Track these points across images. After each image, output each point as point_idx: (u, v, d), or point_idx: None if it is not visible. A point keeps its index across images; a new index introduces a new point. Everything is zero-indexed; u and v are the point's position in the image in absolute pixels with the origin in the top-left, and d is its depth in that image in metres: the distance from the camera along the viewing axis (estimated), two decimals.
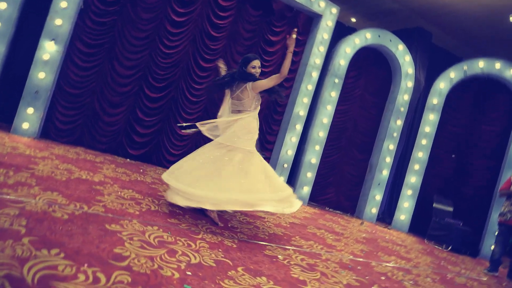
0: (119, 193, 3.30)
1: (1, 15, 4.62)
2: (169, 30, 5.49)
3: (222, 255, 2.44)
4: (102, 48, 5.22)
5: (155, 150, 5.67)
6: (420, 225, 6.87)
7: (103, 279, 1.65)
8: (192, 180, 3.09)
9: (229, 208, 3.19)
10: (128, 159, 5.43)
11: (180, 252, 2.25)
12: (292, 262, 2.77)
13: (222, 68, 3.73)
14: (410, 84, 7.04)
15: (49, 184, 2.90)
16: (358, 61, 6.90)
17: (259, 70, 3.40)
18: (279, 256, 2.83)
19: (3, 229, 1.84)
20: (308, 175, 6.44)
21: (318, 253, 3.29)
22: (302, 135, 6.46)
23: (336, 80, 6.52)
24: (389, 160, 6.99)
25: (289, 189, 3.34)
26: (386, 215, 7.55)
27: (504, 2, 6.01)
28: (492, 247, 5.24)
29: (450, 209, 6.55)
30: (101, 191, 3.17)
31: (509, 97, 6.92)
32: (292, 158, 6.32)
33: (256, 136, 3.45)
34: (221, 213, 3.55)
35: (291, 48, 3.23)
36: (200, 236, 2.72)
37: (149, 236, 2.38)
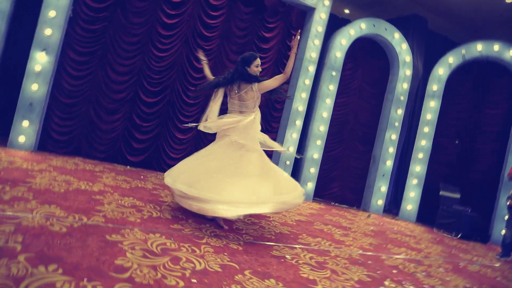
0: (120, 201, 3.22)
1: None
2: (161, 33, 5.41)
3: (228, 259, 2.37)
4: (94, 55, 5.15)
5: (155, 155, 5.60)
6: (428, 214, 6.78)
7: None
8: (215, 185, 2.91)
9: (263, 211, 3.13)
10: (128, 166, 5.35)
11: (184, 259, 2.18)
12: (300, 261, 2.70)
13: (204, 60, 3.63)
14: (408, 72, 6.95)
15: (47, 197, 2.83)
16: (355, 52, 6.81)
17: (260, 69, 3.37)
18: (287, 256, 2.75)
19: None
20: (311, 170, 6.36)
21: (326, 250, 3.22)
22: (302, 131, 6.38)
23: (334, 73, 6.44)
24: (392, 150, 6.90)
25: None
26: (393, 206, 7.47)
27: None
28: (503, 231, 5.16)
29: (457, 196, 6.46)
30: (101, 200, 3.10)
31: (510, 79, 6.82)
32: (294, 155, 6.24)
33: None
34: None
35: (295, 49, 3.25)
36: (204, 241, 2.64)
37: (151, 244, 2.30)
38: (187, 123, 3.84)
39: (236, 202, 2.88)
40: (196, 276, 1.97)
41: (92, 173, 4.28)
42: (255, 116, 3.37)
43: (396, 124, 6.91)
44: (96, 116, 5.24)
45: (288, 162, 6.17)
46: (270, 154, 6.20)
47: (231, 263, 2.31)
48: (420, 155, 6.85)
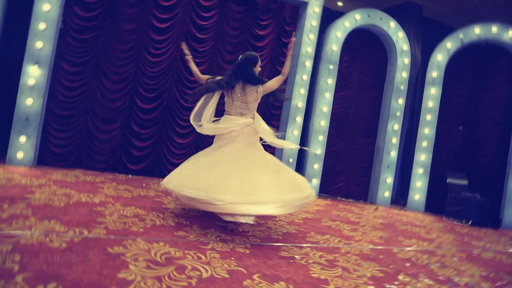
0: (122, 211, 3.15)
1: None
2: (153, 38, 5.35)
3: (235, 264, 2.29)
4: (87, 65, 5.08)
5: (156, 162, 5.53)
6: (436, 202, 6.68)
7: None
8: (252, 187, 2.81)
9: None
10: (129, 175, 5.29)
11: (189, 267, 2.10)
12: (310, 261, 2.62)
13: (188, 55, 3.48)
14: (406, 60, 6.85)
15: (46, 212, 2.76)
16: (351, 45, 6.72)
17: (260, 69, 3.35)
18: (296, 256, 2.68)
19: None
20: (315, 166, 6.28)
21: (336, 247, 3.14)
22: (303, 127, 6.30)
23: (331, 67, 6.35)
24: (395, 140, 6.81)
25: None
26: (400, 197, 7.37)
27: None
28: None
29: (465, 182, 6.36)
30: (102, 212, 3.03)
31: (510, 60, 6.70)
32: (297, 152, 6.16)
33: None
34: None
35: (291, 51, 3.35)
36: (210, 246, 2.57)
37: (155, 254, 2.23)
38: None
39: (269, 202, 2.82)
40: (202, 285, 1.90)
41: (93, 184, 4.22)
42: (257, 118, 3.36)
43: (398, 114, 6.81)
44: (94, 127, 5.18)
45: (291, 160, 6.09)
46: (272, 153, 6.12)
47: (238, 268, 2.23)
48: (424, 144, 6.75)
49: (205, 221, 3.22)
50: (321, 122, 6.31)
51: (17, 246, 2.00)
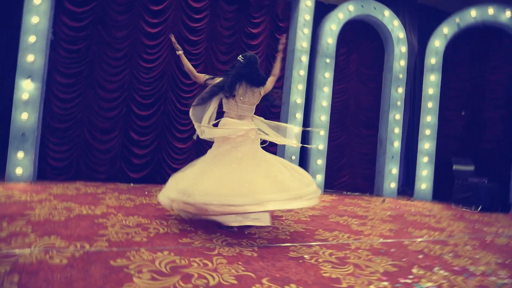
0: (124, 221, 3.08)
1: None
2: (146, 44, 5.28)
3: (243, 269, 2.22)
4: (81, 76, 5.02)
5: (157, 168, 5.46)
6: (444, 190, 6.59)
7: None
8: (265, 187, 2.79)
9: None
10: (131, 184, 5.23)
11: (196, 276, 2.03)
12: (320, 260, 2.54)
13: (179, 50, 3.34)
14: (404, 49, 6.76)
15: (46, 228, 2.69)
16: (346, 36, 6.64)
17: None
18: (305, 256, 2.59)
19: None
20: (319, 162, 6.20)
21: (346, 243, 3.06)
22: (304, 123, 6.22)
23: (328, 60, 6.27)
24: (398, 130, 6.72)
25: None
26: (406, 187, 7.28)
27: None
28: None
29: (471, 168, 6.27)
30: (104, 223, 2.96)
31: (509, 41, 6.60)
32: (299, 148, 6.08)
33: None
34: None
35: (281, 54, 3.43)
36: (216, 252, 2.49)
37: (159, 263, 2.15)
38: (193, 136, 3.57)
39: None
40: None
41: (94, 196, 4.15)
42: (257, 119, 3.33)
43: (398, 103, 6.72)
44: (92, 137, 5.11)
45: (293, 157, 6.01)
46: (273, 151, 6.05)
47: (247, 273, 2.15)
48: (427, 132, 6.66)
49: (210, 226, 3.14)
50: (322, 117, 6.23)
51: (16, 266, 1.92)
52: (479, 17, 6.54)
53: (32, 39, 4.56)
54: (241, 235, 3.00)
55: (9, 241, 2.32)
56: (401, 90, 6.73)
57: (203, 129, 3.17)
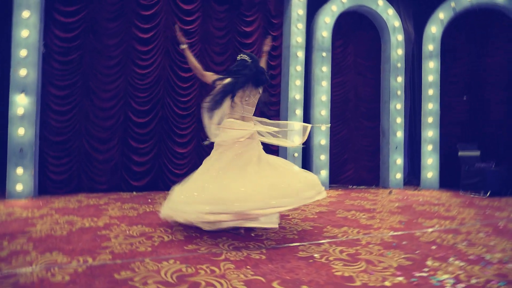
0: (128, 231, 3.01)
1: None
2: (139, 50, 5.21)
3: (252, 273, 2.14)
4: (75, 86, 4.95)
5: (159, 175, 5.39)
6: (450, 178, 6.50)
7: None
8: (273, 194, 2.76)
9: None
10: (134, 192, 5.16)
11: (203, 284, 1.95)
12: (331, 258, 2.46)
13: (184, 45, 3.15)
14: (400, 37, 6.67)
15: (48, 243, 2.62)
16: (341, 29, 6.56)
17: None
18: (315, 255, 2.52)
19: None
20: (322, 157, 6.12)
21: (356, 239, 2.98)
22: (304, 119, 6.14)
23: (324, 54, 6.19)
24: (400, 120, 6.63)
25: None
26: (412, 177, 7.19)
27: None
28: None
29: (477, 153, 6.16)
30: (107, 235, 2.89)
31: (508, 22, 6.50)
32: (301, 145, 6.00)
33: None
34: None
35: (266, 55, 3.45)
36: (223, 257, 2.42)
37: (165, 273, 2.08)
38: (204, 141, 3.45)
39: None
40: None
41: (97, 207, 4.08)
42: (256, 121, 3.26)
43: (399, 92, 6.63)
44: (91, 148, 5.05)
45: (296, 154, 5.93)
46: (275, 149, 5.97)
47: (256, 277, 2.08)
48: (430, 119, 6.57)
49: (215, 231, 3.06)
50: (322, 111, 6.15)
51: (17, 287, 1.85)
52: (475, 0, 6.44)
53: (23, 53, 4.50)
54: (248, 237, 2.92)
55: (10, 261, 2.25)
56: (400, 79, 6.65)
57: (218, 132, 3.03)
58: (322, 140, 6.11)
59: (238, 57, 3.13)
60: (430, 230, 3.35)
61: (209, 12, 5.64)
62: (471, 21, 6.71)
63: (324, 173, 6.11)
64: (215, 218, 2.71)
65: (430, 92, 6.59)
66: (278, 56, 6.13)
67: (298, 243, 2.82)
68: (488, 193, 5.55)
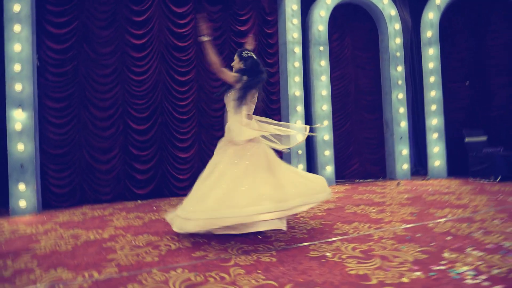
0: (134, 242, 2.94)
1: None
2: (134, 56, 5.15)
3: (263, 277, 2.06)
4: (72, 98, 4.90)
5: (163, 181, 5.32)
6: (458, 165, 6.40)
7: None
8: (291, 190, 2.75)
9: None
10: (138, 201, 5.10)
11: None
12: (344, 256, 2.38)
13: (205, 25, 2.89)
14: (397, 26, 6.58)
15: (53, 260, 2.55)
16: (337, 21, 6.47)
17: None
18: (327, 254, 2.43)
19: None
20: (326, 153, 6.03)
21: (368, 234, 2.89)
22: (306, 116, 6.06)
23: (321, 48, 6.10)
24: (402, 110, 6.53)
25: None
26: (419, 167, 7.09)
27: None
28: None
29: (484, 138, 6.06)
30: (113, 247, 2.82)
31: (507, 4, 6.38)
32: (305, 142, 5.92)
33: None
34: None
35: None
36: (232, 262, 2.34)
37: (173, 284, 2.01)
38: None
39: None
40: None
41: (102, 218, 4.02)
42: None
43: (400, 82, 6.54)
44: (92, 159, 4.99)
45: (300, 152, 5.85)
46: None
47: (268, 281, 2.00)
48: (433, 107, 6.46)
49: (223, 234, 2.99)
50: (323, 106, 6.06)
51: None
52: None
53: (17, 67, 4.44)
54: (257, 240, 2.84)
55: (14, 280, 2.18)
56: (400, 68, 6.55)
57: (246, 130, 2.96)
58: (325, 135, 6.03)
59: (244, 54, 3.07)
60: (443, 220, 3.26)
61: (202, 13, 5.56)
62: (469, 4, 6.61)
63: (330, 168, 6.02)
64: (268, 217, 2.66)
65: (432, 79, 6.49)
66: (275, 53, 6.05)
67: (308, 242, 2.74)
68: (499, 178, 5.44)
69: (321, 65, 6.08)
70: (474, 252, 2.32)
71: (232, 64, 3.15)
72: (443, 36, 6.58)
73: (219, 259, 2.41)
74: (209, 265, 2.30)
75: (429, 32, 6.52)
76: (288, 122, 5.82)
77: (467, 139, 6.08)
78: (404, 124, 6.51)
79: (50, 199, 4.80)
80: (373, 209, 3.91)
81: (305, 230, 3.10)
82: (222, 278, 2.07)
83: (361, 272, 2.09)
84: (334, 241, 2.74)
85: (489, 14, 6.53)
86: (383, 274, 2.04)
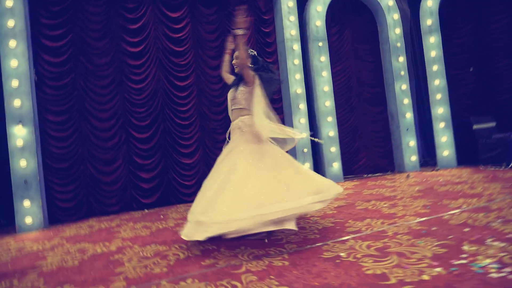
0: (141, 253, 2.87)
1: None
2: (131, 64, 5.10)
3: (277, 283, 1.98)
4: (72, 110, 4.85)
5: (169, 189, 5.26)
6: (468, 153, 6.26)
7: None
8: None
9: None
10: (145, 210, 5.04)
11: None
12: (359, 255, 2.28)
13: (244, 18, 2.80)
14: (396, 16, 6.47)
15: (59, 276, 2.49)
16: (335, 16, 6.38)
17: None
18: (342, 254, 2.34)
19: None
20: (332, 149, 5.93)
21: (381, 231, 2.79)
22: (309, 113, 5.97)
23: (320, 44, 6.01)
24: (407, 101, 6.42)
25: None
26: (428, 158, 6.97)
27: None
28: None
29: (493, 124, 5.93)
30: (120, 259, 2.75)
31: None
32: (309, 140, 5.83)
33: None
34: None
35: (229, 53, 3.33)
36: (243, 269, 2.26)
37: None
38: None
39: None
40: None
41: (109, 230, 3.96)
42: None
43: (402, 73, 6.43)
44: (96, 171, 4.93)
45: (305, 150, 5.76)
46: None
47: (282, 287, 1.91)
48: (438, 96, 6.34)
49: (231, 239, 2.91)
50: (326, 102, 5.97)
51: None
52: None
53: (15, 83, 4.40)
54: (268, 243, 2.76)
55: None
56: (402, 59, 6.44)
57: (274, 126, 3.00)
58: (330, 131, 5.93)
59: (249, 52, 3.09)
60: (458, 211, 3.15)
61: (197, 16, 5.51)
62: None
63: (337, 165, 5.92)
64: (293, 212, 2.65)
65: (435, 68, 6.37)
66: (273, 52, 5.97)
67: (321, 242, 2.65)
68: (511, 165, 5.31)
69: (321, 60, 5.99)
70: (495, 243, 2.22)
71: (234, 62, 3.10)
72: (444, 23, 6.47)
73: (230, 266, 2.33)
74: (219, 273, 2.22)
75: (428, 20, 6.40)
76: (292, 120, 5.73)
77: (475, 126, 5.95)
78: (409, 115, 6.39)
79: (56, 214, 4.75)
80: (385, 204, 3.80)
81: (317, 230, 3.01)
82: (234, 286, 1.99)
83: (378, 272, 1.99)
84: (347, 240, 2.64)
85: None
86: (402, 272, 1.94)
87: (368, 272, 2.01)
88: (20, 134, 4.41)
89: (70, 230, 4.23)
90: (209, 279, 2.14)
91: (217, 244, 2.86)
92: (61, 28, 4.77)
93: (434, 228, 2.69)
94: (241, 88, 3.01)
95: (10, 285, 2.43)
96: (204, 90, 5.47)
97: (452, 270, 1.89)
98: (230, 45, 3.32)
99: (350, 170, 6.37)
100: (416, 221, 2.97)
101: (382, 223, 3.03)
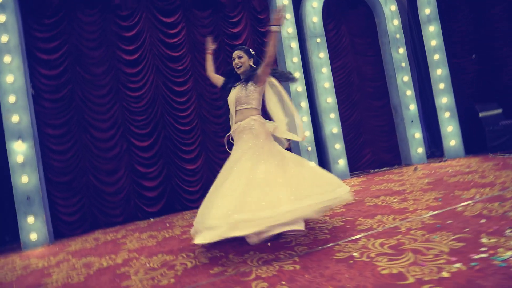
0: (148, 264, 2.79)
1: None
2: (128, 72, 5.04)
3: None
4: (71, 122, 4.80)
5: (174, 196, 5.18)
6: (475, 142, 6.15)
7: None
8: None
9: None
10: (151, 219, 4.97)
11: None
12: (372, 254, 2.19)
13: (281, 14, 2.82)
14: (393, 7, 6.37)
15: None
16: (331, 11, 6.30)
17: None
18: (354, 254, 2.25)
19: None
20: (337, 146, 5.84)
21: (394, 227, 2.70)
22: (311, 111, 5.88)
23: (318, 40, 5.93)
24: (410, 93, 6.31)
25: None
26: (434, 149, 6.85)
27: None
28: None
29: (499, 111, 5.81)
30: (127, 272, 2.68)
31: None
32: (313, 138, 5.74)
33: None
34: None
35: (211, 53, 3.42)
36: (253, 276, 2.17)
37: None
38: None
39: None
40: None
41: (115, 242, 3.89)
42: None
43: (403, 64, 6.32)
44: (99, 182, 4.87)
45: (309, 148, 5.67)
46: (288, 147, 5.71)
47: None
48: (441, 86, 6.23)
49: (240, 245, 2.82)
50: (327, 99, 5.88)
51: None
52: None
53: (12, 99, 4.35)
54: (276, 247, 2.67)
55: None
56: (402, 50, 6.34)
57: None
58: (333, 128, 5.84)
59: (252, 52, 3.13)
60: (471, 202, 3.05)
61: (192, 20, 5.45)
62: None
63: (342, 162, 5.83)
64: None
65: (436, 57, 6.26)
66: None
67: (332, 243, 2.56)
68: None
69: (320, 57, 5.91)
70: None
71: (237, 62, 3.02)
72: (442, 11, 6.36)
73: (239, 274, 2.25)
74: (229, 281, 2.14)
75: (427, 9, 6.30)
76: (294, 120, 5.63)
77: (481, 114, 5.84)
78: (413, 107, 6.29)
79: (61, 228, 4.70)
80: (394, 198, 3.71)
81: (327, 230, 2.92)
82: None
83: (394, 271, 1.90)
84: (359, 239, 2.55)
85: None
86: (420, 270, 1.85)
87: (384, 272, 1.91)
88: (20, 150, 4.36)
89: (75, 244, 4.16)
90: None
91: (225, 251, 2.78)
92: (55, 40, 4.72)
93: (448, 221, 2.60)
94: (251, 88, 2.96)
95: None
96: (203, 94, 5.40)
97: (472, 265, 1.79)
98: (211, 46, 3.31)
99: (356, 166, 6.27)
100: (428, 214, 2.88)
101: (394, 219, 2.94)
